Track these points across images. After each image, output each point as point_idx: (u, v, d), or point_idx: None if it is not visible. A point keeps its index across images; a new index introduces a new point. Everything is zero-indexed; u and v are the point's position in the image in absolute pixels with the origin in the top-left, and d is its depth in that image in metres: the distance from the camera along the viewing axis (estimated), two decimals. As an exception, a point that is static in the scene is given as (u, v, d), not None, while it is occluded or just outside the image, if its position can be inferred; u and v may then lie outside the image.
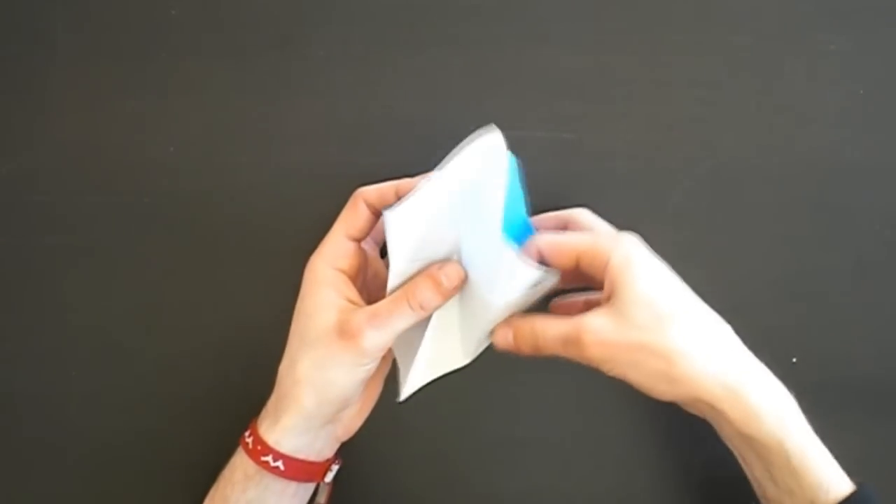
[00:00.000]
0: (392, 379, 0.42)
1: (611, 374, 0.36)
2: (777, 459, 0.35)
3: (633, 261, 0.36)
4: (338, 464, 0.43)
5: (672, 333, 0.35)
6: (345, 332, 0.37)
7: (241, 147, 0.48)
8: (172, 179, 0.48)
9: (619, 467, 0.47)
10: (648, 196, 0.47)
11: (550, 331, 0.37)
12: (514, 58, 0.48)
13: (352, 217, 0.40)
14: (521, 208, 0.39)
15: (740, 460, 0.39)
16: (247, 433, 0.40)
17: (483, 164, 0.37)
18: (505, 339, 0.38)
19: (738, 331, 0.46)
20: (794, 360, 0.46)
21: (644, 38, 0.48)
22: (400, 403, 0.40)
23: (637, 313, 0.35)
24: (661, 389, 0.36)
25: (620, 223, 0.47)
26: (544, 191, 0.47)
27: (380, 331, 0.37)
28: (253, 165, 0.47)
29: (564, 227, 0.42)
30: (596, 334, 0.35)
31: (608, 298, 0.36)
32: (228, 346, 0.47)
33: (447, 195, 0.37)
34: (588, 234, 0.40)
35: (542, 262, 0.38)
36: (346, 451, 0.44)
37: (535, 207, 0.46)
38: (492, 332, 0.39)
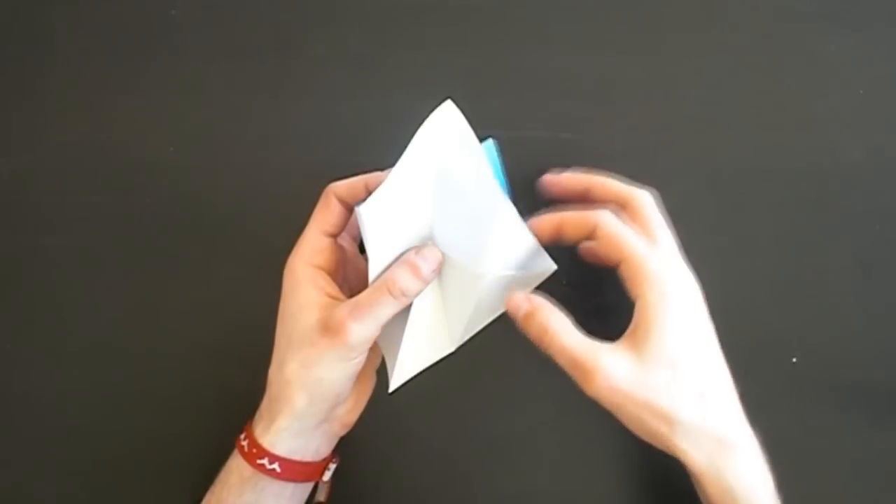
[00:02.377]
0: (384, 369, 0.42)
1: (606, 408, 0.36)
2: None
3: (668, 308, 0.36)
4: (335, 462, 0.43)
5: (684, 404, 0.35)
6: (328, 329, 0.37)
7: (241, 147, 0.48)
8: (172, 179, 0.48)
9: (618, 467, 0.46)
10: (648, 196, 0.47)
11: (564, 342, 0.36)
12: (514, 58, 0.48)
13: (325, 213, 0.40)
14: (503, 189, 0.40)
15: None
16: (242, 436, 0.40)
17: (443, 137, 0.37)
18: (516, 310, 0.38)
19: (739, 331, 0.46)
20: (794, 360, 0.46)
21: (644, 38, 0.48)
22: (390, 394, 0.40)
23: (659, 372, 0.35)
24: (652, 441, 0.36)
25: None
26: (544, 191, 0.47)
27: (363, 323, 0.36)
28: (253, 165, 0.48)
29: (623, 206, 0.39)
30: (610, 379, 0.35)
31: (633, 334, 0.36)
32: (228, 345, 0.47)
33: (414, 179, 0.38)
34: (642, 245, 0.37)
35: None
36: (346, 449, 0.44)
37: (536, 207, 0.46)
38: (485, 309, 0.39)
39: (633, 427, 0.36)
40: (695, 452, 0.35)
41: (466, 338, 0.41)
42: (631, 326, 0.36)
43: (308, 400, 0.38)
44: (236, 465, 0.39)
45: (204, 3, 0.48)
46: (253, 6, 0.49)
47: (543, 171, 0.47)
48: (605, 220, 0.37)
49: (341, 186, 0.40)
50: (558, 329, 0.36)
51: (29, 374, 0.47)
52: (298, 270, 0.39)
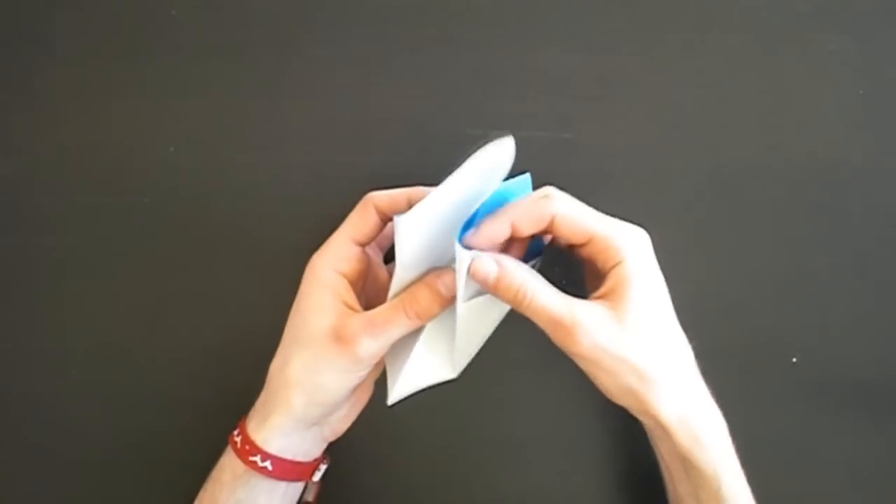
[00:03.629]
0: (382, 380, 0.42)
1: (581, 366, 0.37)
2: (709, 485, 0.37)
3: (647, 271, 0.37)
4: (326, 463, 0.43)
5: (658, 359, 0.36)
6: (339, 338, 0.37)
7: (241, 147, 0.48)
8: (172, 179, 0.48)
9: (618, 467, 0.47)
10: (648, 196, 0.47)
11: (543, 302, 0.35)
12: (514, 58, 0.48)
13: (360, 221, 0.40)
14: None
15: (665, 472, 0.40)
16: (235, 432, 0.40)
17: (489, 172, 0.36)
18: (486, 277, 0.36)
19: (739, 331, 0.46)
20: (794, 360, 0.46)
21: (644, 38, 0.48)
22: (389, 408, 0.40)
23: (638, 329, 0.35)
24: (622, 399, 0.37)
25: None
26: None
27: (375, 339, 0.37)
28: (253, 165, 0.48)
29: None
30: (592, 336, 0.35)
31: (608, 296, 0.36)
32: (228, 346, 0.47)
33: (455, 202, 0.37)
34: (604, 218, 0.38)
35: (544, 234, 0.38)
36: (335, 449, 0.44)
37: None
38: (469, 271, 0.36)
39: (606, 384, 0.37)
40: (668, 407, 0.36)
41: (465, 364, 0.41)
42: (606, 287, 0.37)
43: (305, 403, 0.38)
44: (229, 463, 0.39)
45: (204, 3, 0.48)
46: (253, 6, 0.48)
47: (544, 171, 0.47)
48: (562, 209, 0.36)
49: (382, 197, 0.40)
50: (534, 289, 0.35)
51: (28, 374, 0.47)
52: (320, 272, 0.39)
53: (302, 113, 0.48)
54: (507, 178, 0.38)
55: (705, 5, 0.48)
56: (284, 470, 0.39)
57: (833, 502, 0.46)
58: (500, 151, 0.35)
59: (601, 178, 0.47)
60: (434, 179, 0.36)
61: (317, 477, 0.42)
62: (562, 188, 0.47)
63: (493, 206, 0.38)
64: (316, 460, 0.42)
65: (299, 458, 0.40)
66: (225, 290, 0.47)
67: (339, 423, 0.42)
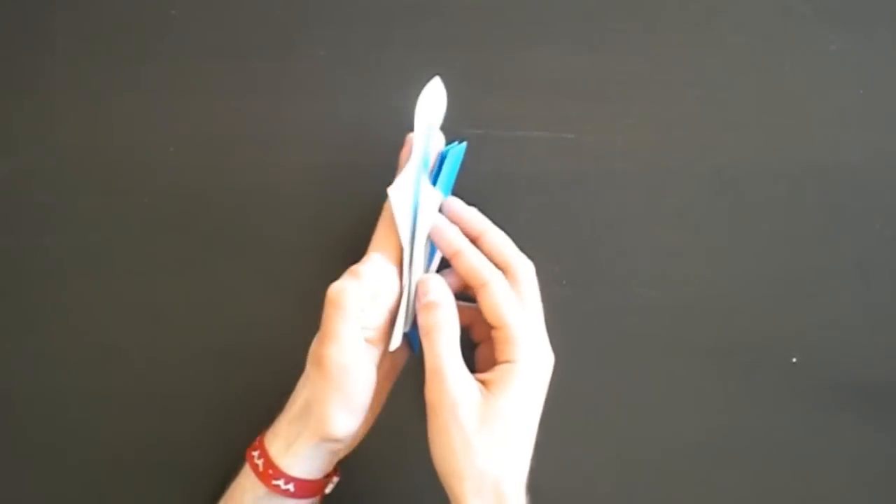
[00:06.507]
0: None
1: (427, 404, 0.37)
2: None
3: (531, 383, 0.38)
4: (338, 476, 0.43)
5: (481, 467, 0.36)
6: (312, 362, 0.37)
7: (241, 147, 0.48)
8: (172, 179, 0.48)
9: (618, 466, 0.47)
10: (648, 196, 0.47)
11: (443, 349, 0.37)
12: (514, 58, 0.48)
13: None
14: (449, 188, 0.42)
15: None
16: (255, 454, 0.40)
17: (432, 113, 0.40)
18: (423, 294, 0.38)
19: (738, 331, 0.46)
20: (794, 360, 0.46)
21: (644, 38, 0.48)
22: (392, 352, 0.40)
23: (494, 431, 0.36)
24: (438, 462, 0.38)
25: (621, 223, 0.47)
26: (544, 191, 0.47)
27: (331, 344, 0.36)
28: (253, 165, 0.48)
29: (504, 270, 0.40)
30: (453, 413, 0.36)
31: (491, 384, 0.37)
32: (228, 346, 0.47)
33: (423, 157, 0.39)
34: (521, 315, 0.38)
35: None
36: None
37: (536, 208, 0.46)
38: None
39: (436, 438, 0.37)
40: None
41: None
42: (494, 376, 0.38)
43: (330, 430, 0.38)
44: (250, 485, 0.39)
45: (204, 3, 0.48)
46: (253, 6, 0.48)
47: (544, 171, 0.47)
48: (494, 288, 0.38)
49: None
50: (447, 334, 0.37)
51: (28, 375, 0.47)
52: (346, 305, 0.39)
53: (302, 113, 0.48)
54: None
55: (705, 5, 0.48)
56: (305, 490, 0.40)
57: (833, 502, 0.46)
58: (433, 91, 0.41)
59: (601, 178, 0.47)
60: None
61: (328, 489, 0.42)
62: (562, 188, 0.47)
63: (448, 172, 0.41)
64: (329, 475, 0.42)
65: (318, 477, 0.40)
66: (225, 290, 0.47)
67: (354, 441, 0.42)
